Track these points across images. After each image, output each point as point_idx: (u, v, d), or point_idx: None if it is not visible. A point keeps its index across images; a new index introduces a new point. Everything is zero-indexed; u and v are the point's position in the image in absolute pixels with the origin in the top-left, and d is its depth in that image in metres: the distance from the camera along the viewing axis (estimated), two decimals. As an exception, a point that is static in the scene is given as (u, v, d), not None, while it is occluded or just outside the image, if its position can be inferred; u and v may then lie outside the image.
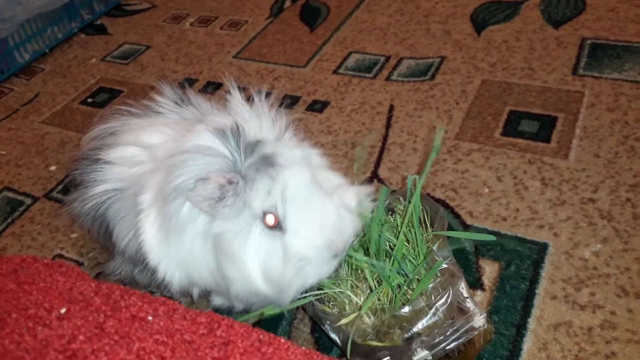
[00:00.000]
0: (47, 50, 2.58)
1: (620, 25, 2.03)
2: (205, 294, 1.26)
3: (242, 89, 1.13)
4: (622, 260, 1.27)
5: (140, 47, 2.54)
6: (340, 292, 1.10)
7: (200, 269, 1.06)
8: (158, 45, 2.52)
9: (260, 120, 1.06)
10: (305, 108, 1.95)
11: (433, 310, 1.01)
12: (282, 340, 0.89)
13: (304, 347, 0.89)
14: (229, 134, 1.00)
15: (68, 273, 1.01)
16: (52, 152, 1.98)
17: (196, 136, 1.02)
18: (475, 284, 1.28)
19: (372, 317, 1.07)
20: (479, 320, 1.05)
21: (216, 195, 0.97)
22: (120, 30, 2.71)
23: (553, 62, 1.92)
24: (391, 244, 1.12)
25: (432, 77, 1.97)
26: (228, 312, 1.24)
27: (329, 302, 1.12)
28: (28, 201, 1.77)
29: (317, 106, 1.95)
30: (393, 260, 1.07)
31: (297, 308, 1.29)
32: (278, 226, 1.00)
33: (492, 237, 1.13)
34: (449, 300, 1.02)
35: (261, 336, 0.90)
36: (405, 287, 1.07)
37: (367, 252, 1.14)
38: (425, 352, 1.01)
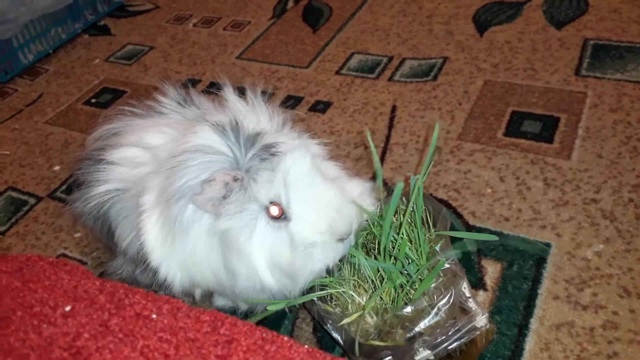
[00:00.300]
0: (51, 51, 2.59)
1: (622, 26, 2.03)
2: (208, 295, 1.27)
3: (244, 89, 1.14)
4: (625, 260, 1.27)
5: (143, 47, 2.55)
6: (342, 291, 1.11)
7: (202, 270, 1.07)
8: (161, 46, 2.53)
9: (257, 114, 1.07)
10: (307, 108, 1.95)
11: (435, 310, 1.02)
12: (285, 338, 0.90)
13: (306, 346, 0.89)
14: (228, 130, 1.00)
15: (73, 271, 1.02)
16: (55, 152, 1.98)
17: (195, 136, 1.02)
18: (477, 284, 1.29)
19: (375, 317, 1.07)
20: (481, 320, 1.05)
21: (221, 195, 0.98)
22: (124, 31, 2.72)
23: (555, 63, 1.92)
24: (394, 243, 1.12)
25: (435, 78, 1.97)
26: (231, 313, 1.24)
27: (332, 302, 1.12)
28: (32, 201, 1.78)
29: (320, 107, 1.95)
30: (396, 260, 1.07)
31: (300, 308, 1.30)
32: (283, 216, 1.01)
33: (494, 237, 1.13)
34: (451, 300, 1.02)
35: (264, 334, 0.90)
36: (407, 287, 1.07)
37: (369, 252, 1.14)
38: (428, 352, 1.02)
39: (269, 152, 1.00)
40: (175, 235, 1.04)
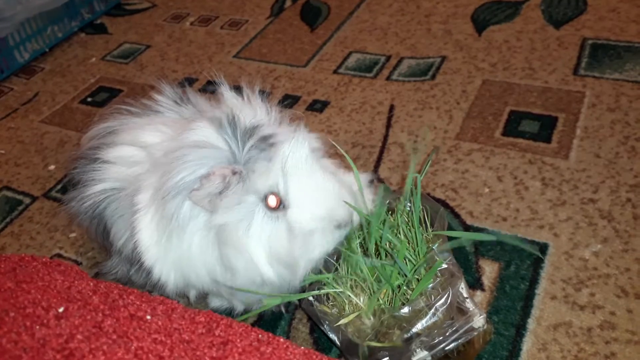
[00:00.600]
0: (47, 50, 2.58)
1: (621, 26, 2.02)
2: (203, 296, 1.26)
3: (241, 88, 1.13)
4: (622, 260, 1.27)
5: (140, 46, 2.54)
6: (340, 292, 1.10)
7: (197, 268, 1.06)
8: (158, 45, 2.52)
9: (254, 108, 1.07)
10: (305, 108, 1.94)
11: (432, 310, 1.01)
12: (281, 339, 0.89)
13: (303, 347, 0.89)
14: (225, 124, 1.00)
15: (66, 272, 1.01)
16: (51, 151, 1.97)
17: (192, 132, 1.01)
18: (475, 284, 1.28)
19: (372, 318, 1.06)
20: (479, 321, 1.05)
21: (219, 190, 0.97)
22: (121, 29, 2.71)
23: (554, 62, 1.92)
24: (391, 243, 1.11)
25: (433, 77, 1.97)
26: (227, 314, 1.24)
27: (329, 302, 1.12)
28: (27, 200, 1.77)
29: (318, 106, 1.94)
30: (393, 261, 1.06)
31: (297, 308, 1.29)
32: (281, 206, 1.00)
33: (492, 237, 1.12)
34: (448, 301, 1.01)
35: (260, 336, 0.89)
36: (404, 288, 1.07)
37: (366, 252, 1.13)
38: (425, 353, 1.01)
39: (267, 142, 1.00)
40: (171, 233, 1.03)
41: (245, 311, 1.23)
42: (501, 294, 1.25)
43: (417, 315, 1.01)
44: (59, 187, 1.80)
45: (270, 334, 0.91)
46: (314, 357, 0.87)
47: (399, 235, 1.13)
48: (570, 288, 1.23)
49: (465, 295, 1.09)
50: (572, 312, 1.19)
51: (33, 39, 2.50)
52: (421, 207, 1.15)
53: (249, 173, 0.99)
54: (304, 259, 1.03)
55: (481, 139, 1.67)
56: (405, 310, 1.01)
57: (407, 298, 1.06)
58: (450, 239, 1.14)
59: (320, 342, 1.23)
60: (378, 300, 1.08)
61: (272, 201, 1.00)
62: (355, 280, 1.11)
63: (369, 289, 1.09)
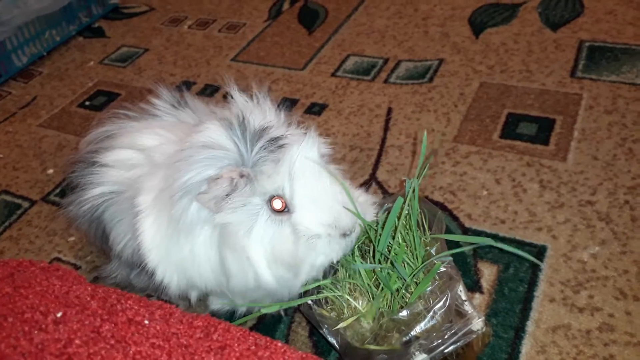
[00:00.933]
0: (45, 53, 2.58)
1: (618, 28, 2.03)
2: (203, 298, 1.26)
3: (250, 91, 1.13)
4: (621, 262, 1.27)
5: (138, 50, 2.54)
6: (338, 295, 1.10)
7: (202, 269, 1.05)
8: (156, 48, 2.52)
9: (264, 110, 1.06)
10: (303, 111, 1.94)
11: (431, 313, 1.01)
12: (279, 344, 0.89)
13: (300, 351, 0.89)
14: (235, 126, 0.99)
15: (64, 277, 1.01)
16: (49, 155, 1.97)
17: (202, 132, 1.01)
18: (473, 286, 1.28)
19: (371, 321, 1.06)
20: (477, 324, 1.05)
21: (226, 193, 0.97)
22: (118, 33, 2.71)
23: (551, 65, 1.92)
24: (390, 247, 1.11)
25: (431, 80, 1.97)
26: (227, 317, 1.24)
27: (327, 306, 1.12)
28: (25, 204, 1.77)
29: (316, 109, 1.95)
30: (393, 265, 1.06)
31: (296, 311, 1.29)
32: (285, 210, 1.00)
33: (490, 241, 1.12)
34: (447, 304, 1.01)
35: (258, 340, 0.89)
36: (403, 291, 1.07)
37: (364, 257, 1.14)
38: (424, 356, 1.01)
39: (276, 144, 0.99)
40: (178, 233, 1.02)
41: (248, 313, 1.23)
42: (500, 296, 1.25)
43: (415, 318, 1.02)
44: (57, 190, 1.80)
45: (268, 338, 0.91)
46: (312, 361, 0.87)
47: (398, 239, 1.13)
48: (569, 290, 1.24)
49: (463, 298, 1.09)
50: (571, 315, 1.19)
51: (31, 43, 2.50)
52: (419, 210, 1.15)
53: (257, 175, 0.98)
54: (307, 263, 1.01)
55: (479, 141, 1.67)
56: (404, 313, 1.01)
57: (406, 301, 1.06)
58: (448, 242, 1.14)
59: (319, 345, 1.23)
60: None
61: (277, 204, 0.99)
62: (353, 284, 1.11)
63: (368, 292, 1.09)
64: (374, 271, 1.09)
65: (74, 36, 2.71)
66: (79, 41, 2.70)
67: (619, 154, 1.54)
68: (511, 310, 1.22)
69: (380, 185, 1.59)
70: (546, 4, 2.25)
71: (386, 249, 1.06)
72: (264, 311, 1.09)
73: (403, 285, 1.06)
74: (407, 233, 1.11)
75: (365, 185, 1.60)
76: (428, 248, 1.12)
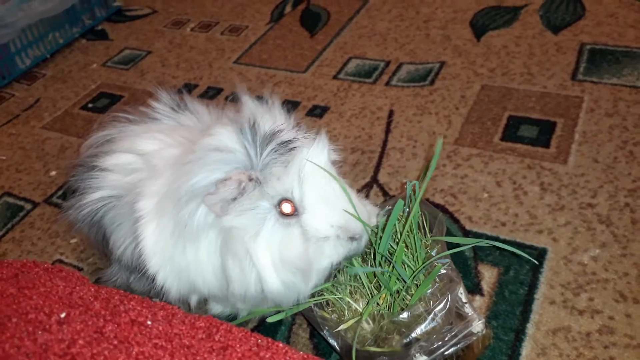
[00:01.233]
0: (48, 56, 2.59)
1: (619, 31, 2.03)
2: (203, 302, 1.26)
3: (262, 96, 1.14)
4: (621, 265, 1.28)
5: (141, 52, 2.55)
6: (339, 298, 1.10)
7: (204, 274, 1.04)
8: (159, 51, 2.53)
9: (274, 115, 1.06)
10: (305, 113, 1.95)
11: (432, 315, 1.02)
12: (281, 344, 0.89)
13: (302, 352, 0.89)
14: (246, 129, 0.99)
15: (68, 278, 1.02)
16: (52, 157, 1.98)
17: (211, 136, 1.00)
18: (474, 289, 1.29)
19: (371, 323, 1.07)
20: (478, 326, 1.05)
21: (233, 197, 0.96)
22: (121, 35, 2.72)
23: (552, 68, 1.93)
24: (390, 249, 1.12)
25: (432, 83, 1.98)
26: (228, 319, 1.24)
27: (328, 308, 1.12)
28: (28, 206, 1.78)
29: (317, 111, 1.95)
30: (392, 267, 1.07)
31: (296, 313, 1.29)
32: (294, 214, 0.99)
33: (489, 243, 1.12)
34: (447, 306, 1.02)
35: (259, 341, 0.90)
36: (403, 293, 1.07)
37: (364, 259, 1.14)
38: (424, 358, 1.02)
39: (286, 147, 0.99)
40: (184, 239, 1.01)
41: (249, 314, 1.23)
42: (500, 298, 1.26)
43: (416, 320, 1.02)
44: (60, 193, 1.81)
45: (270, 339, 0.91)
46: (314, 362, 0.88)
47: (398, 241, 1.14)
48: (569, 293, 1.24)
49: (464, 300, 1.10)
50: (571, 317, 1.19)
51: (34, 45, 2.51)
52: (420, 212, 1.16)
53: (266, 177, 0.98)
54: (317, 264, 1.01)
55: (480, 144, 1.68)
56: (404, 315, 1.02)
57: (407, 303, 1.07)
58: (449, 244, 1.15)
59: (320, 347, 1.23)
60: (377, 305, 1.09)
61: (287, 208, 0.99)
62: (354, 286, 1.12)
63: (368, 294, 1.10)
64: (374, 273, 1.10)
65: (77, 39, 2.72)
66: (82, 43, 2.71)
67: (619, 157, 1.54)
68: (511, 312, 1.22)
69: (381, 187, 1.60)
70: (547, 6, 2.26)
71: (387, 252, 1.07)
72: (269, 320, 1.08)
73: (403, 287, 1.07)
74: (408, 235, 1.12)
75: (367, 187, 1.60)
76: (429, 250, 1.13)
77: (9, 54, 2.41)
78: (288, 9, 2.67)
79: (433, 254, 1.12)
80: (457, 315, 1.06)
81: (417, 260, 1.10)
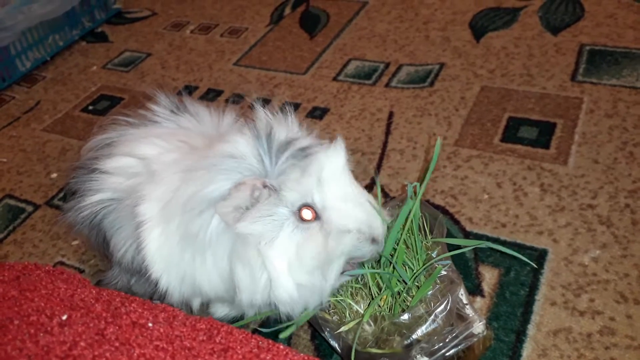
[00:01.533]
0: (49, 58, 2.59)
1: (618, 32, 2.04)
2: (205, 306, 1.26)
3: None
4: (621, 266, 1.28)
5: (141, 54, 2.55)
6: (340, 299, 1.11)
7: (211, 279, 1.02)
8: (159, 53, 2.54)
9: (288, 123, 1.05)
10: (305, 115, 1.95)
11: (432, 317, 1.02)
12: (281, 346, 0.90)
13: (302, 354, 0.89)
14: (262, 137, 0.98)
15: (69, 280, 1.02)
16: (53, 159, 1.99)
17: (227, 144, 0.99)
18: (474, 290, 1.29)
19: (372, 325, 1.07)
20: (479, 327, 1.05)
21: (246, 205, 0.95)
22: (121, 37, 2.73)
23: (552, 69, 1.93)
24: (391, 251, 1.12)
25: (432, 84, 1.98)
26: (229, 321, 1.24)
27: (329, 310, 1.12)
28: (29, 208, 1.78)
29: (317, 113, 1.96)
30: (393, 268, 1.07)
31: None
32: (315, 219, 0.98)
33: (488, 243, 1.12)
34: (448, 307, 1.02)
35: (260, 343, 0.90)
36: (404, 294, 1.07)
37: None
38: (425, 359, 1.02)
39: (303, 154, 0.98)
40: (194, 250, 1.00)
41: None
42: (501, 300, 1.26)
43: (417, 321, 1.02)
44: (61, 195, 1.81)
45: (271, 341, 0.91)
46: (315, 363, 0.88)
47: (400, 243, 1.14)
48: (570, 294, 1.24)
49: (465, 301, 1.10)
50: (572, 318, 1.19)
51: (34, 48, 2.52)
52: (420, 214, 1.16)
53: (281, 185, 0.96)
54: (336, 258, 0.99)
55: (480, 145, 1.68)
56: (405, 316, 1.02)
57: (407, 305, 1.07)
58: (449, 245, 1.15)
59: (321, 348, 1.23)
60: (379, 307, 1.09)
61: (307, 214, 0.97)
62: (355, 287, 1.12)
63: (369, 296, 1.10)
64: (375, 275, 1.10)
65: (77, 41, 2.73)
66: (82, 46, 2.71)
67: (619, 158, 1.55)
68: (512, 313, 1.22)
69: (381, 189, 1.60)
70: (547, 7, 2.26)
71: (389, 254, 1.07)
72: (282, 336, 1.07)
73: (404, 289, 1.07)
74: (409, 237, 1.12)
75: (367, 189, 1.60)
76: (429, 252, 1.13)
77: (9, 56, 2.41)
78: (287, 10, 2.68)
79: (434, 255, 1.12)
80: (458, 317, 1.06)
81: (418, 261, 1.10)
